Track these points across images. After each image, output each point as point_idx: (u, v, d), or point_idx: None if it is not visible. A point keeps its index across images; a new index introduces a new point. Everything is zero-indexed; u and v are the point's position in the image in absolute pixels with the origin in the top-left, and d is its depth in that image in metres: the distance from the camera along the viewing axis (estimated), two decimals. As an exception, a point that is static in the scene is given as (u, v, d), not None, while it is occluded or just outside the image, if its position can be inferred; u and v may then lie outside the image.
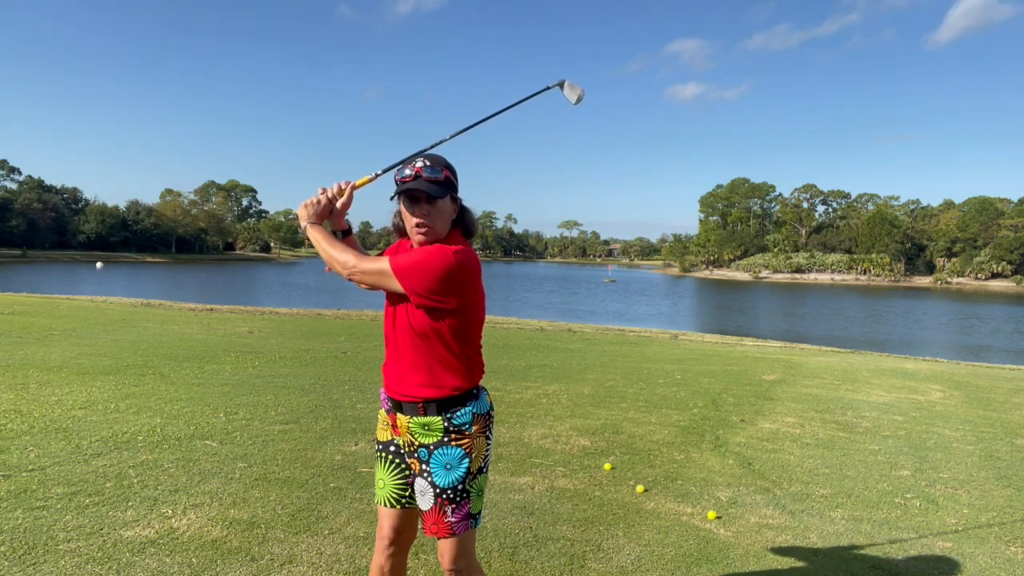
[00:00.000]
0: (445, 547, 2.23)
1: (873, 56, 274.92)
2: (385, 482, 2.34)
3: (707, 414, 6.95)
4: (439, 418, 2.20)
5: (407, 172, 2.16)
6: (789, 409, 7.46)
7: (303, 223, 2.34)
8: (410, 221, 2.20)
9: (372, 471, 4.49)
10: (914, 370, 12.46)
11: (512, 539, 3.57)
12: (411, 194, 2.16)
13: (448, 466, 2.20)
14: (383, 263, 2.16)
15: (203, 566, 3.07)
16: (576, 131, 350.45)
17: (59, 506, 3.62)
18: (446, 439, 2.21)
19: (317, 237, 2.30)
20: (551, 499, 4.19)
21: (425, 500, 2.22)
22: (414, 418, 2.22)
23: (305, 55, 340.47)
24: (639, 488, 4.45)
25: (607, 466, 4.90)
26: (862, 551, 3.66)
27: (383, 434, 2.39)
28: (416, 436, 2.24)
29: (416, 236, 2.20)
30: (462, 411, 2.22)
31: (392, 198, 2.26)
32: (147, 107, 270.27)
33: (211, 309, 20.45)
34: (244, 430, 5.36)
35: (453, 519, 2.20)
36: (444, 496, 2.19)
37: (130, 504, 3.71)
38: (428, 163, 2.17)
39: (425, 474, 2.22)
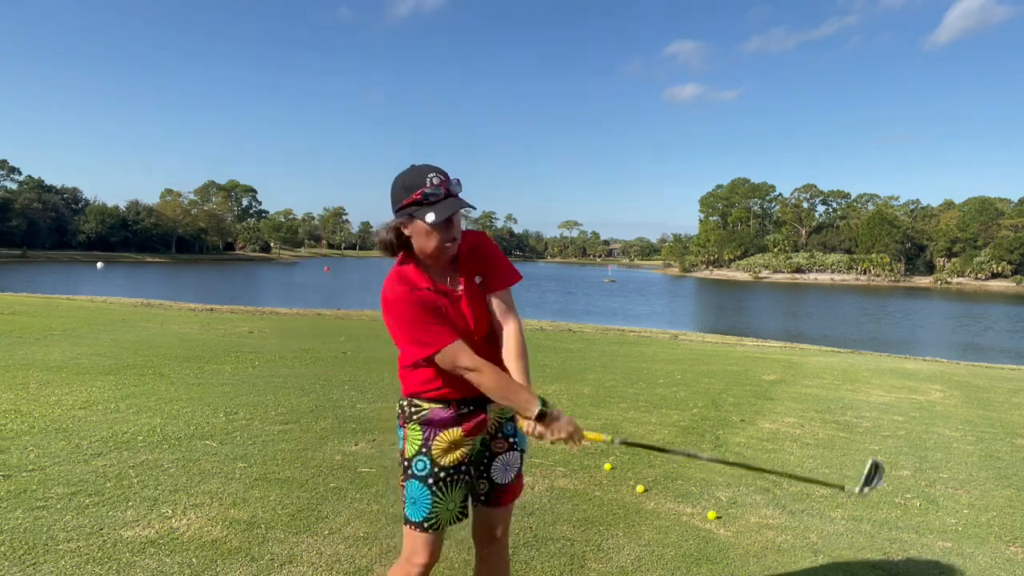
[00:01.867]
0: (509, 513, 2.40)
1: (872, 57, 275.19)
2: (455, 503, 2.26)
3: (707, 414, 6.95)
4: None
5: (442, 191, 2.08)
6: (789, 409, 7.46)
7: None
8: (444, 236, 2.11)
9: (372, 471, 4.49)
10: (914, 370, 12.46)
11: (512, 539, 3.56)
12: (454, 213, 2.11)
13: (519, 432, 2.37)
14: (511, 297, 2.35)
15: (203, 566, 3.07)
16: (576, 131, 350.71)
17: (59, 506, 3.62)
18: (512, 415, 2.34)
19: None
20: (551, 499, 4.19)
21: (511, 471, 2.36)
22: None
23: (305, 55, 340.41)
24: (639, 488, 4.45)
25: (607, 466, 4.90)
26: (862, 551, 3.66)
27: (448, 457, 2.23)
28: (501, 416, 2.34)
29: (450, 251, 2.16)
30: None
31: (413, 217, 2.11)
32: (147, 107, 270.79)
33: (211, 309, 20.45)
34: (244, 430, 5.36)
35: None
36: (524, 456, 2.41)
37: (130, 504, 3.71)
38: (445, 175, 2.11)
39: (514, 445, 2.36)
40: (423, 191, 2.06)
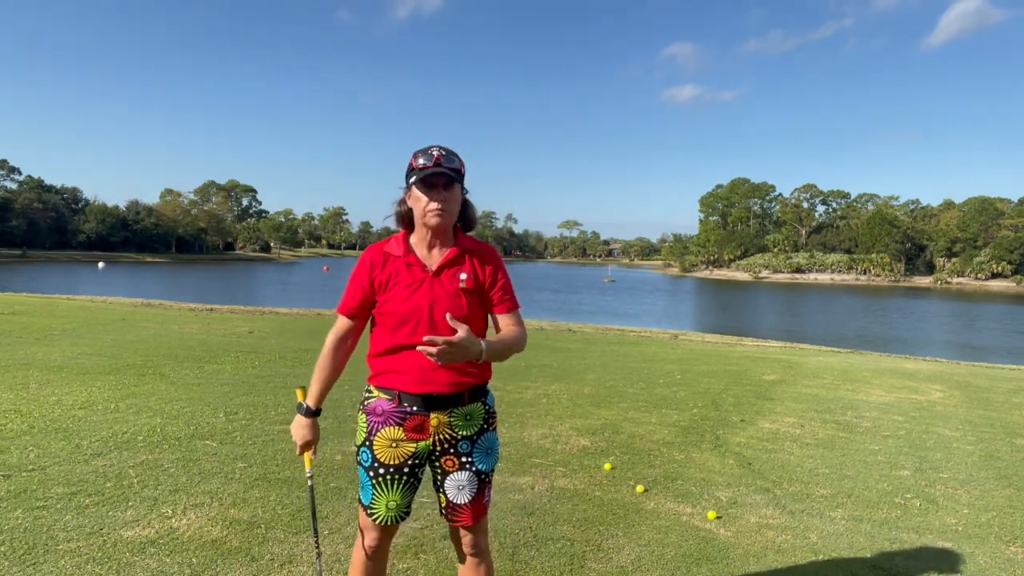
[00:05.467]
0: (482, 526, 2.34)
1: (870, 59, 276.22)
2: (397, 503, 2.26)
3: (707, 414, 6.95)
4: (479, 404, 2.29)
5: (422, 161, 2.18)
6: (789, 409, 7.46)
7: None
8: (425, 207, 2.19)
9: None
10: (914, 370, 12.46)
11: (512, 539, 3.56)
12: (430, 180, 2.17)
13: (488, 450, 2.31)
14: (520, 316, 2.36)
15: (203, 566, 3.06)
16: (575, 132, 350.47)
17: (59, 506, 3.62)
18: (486, 426, 2.31)
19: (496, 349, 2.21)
20: (551, 499, 4.19)
21: (466, 491, 2.27)
22: (456, 410, 2.23)
23: (305, 57, 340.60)
24: (639, 488, 4.45)
25: (607, 466, 4.90)
26: (862, 551, 3.66)
27: (389, 454, 2.23)
28: (454, 431, 2.25)
29: (431, 220, 2.20)
30: (491, 394, 2.37)
31: (410, 184, 2.23)
32: (147, 107, 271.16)
33: (211, 309, 20.45)
34: (244, 430, 5.36)
35: (489, 497, 2.34)
36: (487, 478, 2.32)
37: (130, 504, 3.71)
38: (445, 152, 2.20)
39: (468, 465, 2.26)
40: (417, 160, 2.21)
